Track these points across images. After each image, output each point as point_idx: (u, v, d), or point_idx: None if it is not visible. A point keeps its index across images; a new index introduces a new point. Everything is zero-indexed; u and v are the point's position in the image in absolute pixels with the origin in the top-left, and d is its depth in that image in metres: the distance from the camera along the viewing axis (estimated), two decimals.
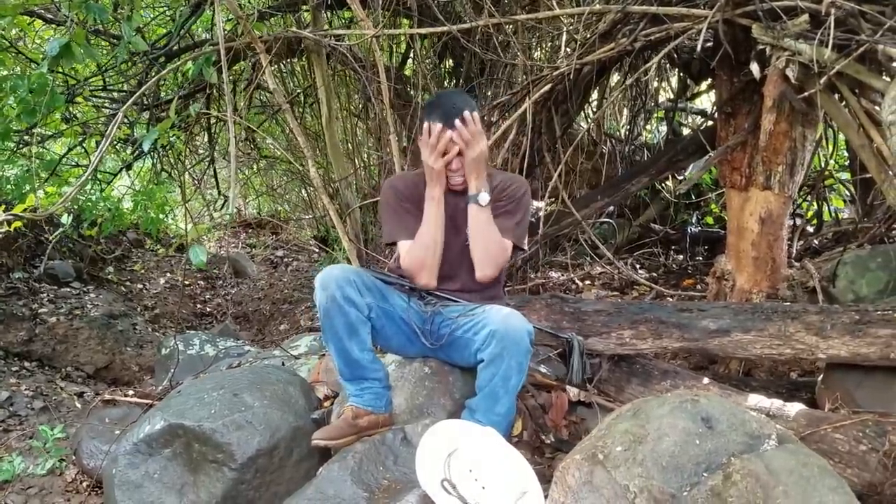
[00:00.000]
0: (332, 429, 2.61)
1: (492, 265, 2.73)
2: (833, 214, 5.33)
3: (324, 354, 3.39)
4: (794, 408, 2.68)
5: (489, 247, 2.71)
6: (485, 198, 2.69)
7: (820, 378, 3.05)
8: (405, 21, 4.72)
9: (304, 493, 2.40)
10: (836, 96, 3.04)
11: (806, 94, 2.94)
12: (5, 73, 4.16)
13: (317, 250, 7.69)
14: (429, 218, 2.74)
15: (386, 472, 2.43)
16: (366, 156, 6.02)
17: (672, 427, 2.00)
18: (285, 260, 8.04)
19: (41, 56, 4.42)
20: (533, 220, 4.96)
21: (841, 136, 4.57)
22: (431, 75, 4.99)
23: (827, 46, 2.68)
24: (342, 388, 2.81)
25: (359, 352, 2.61)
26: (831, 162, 4.96)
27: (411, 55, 5.46)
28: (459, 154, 2.66)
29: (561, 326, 3.07)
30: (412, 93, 5.19)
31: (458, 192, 2.80)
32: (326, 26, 4.69)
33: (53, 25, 5.14)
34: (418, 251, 2.74)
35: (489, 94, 4.77)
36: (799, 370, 3.63)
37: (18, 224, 2.88)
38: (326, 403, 3.01)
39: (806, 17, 2.81)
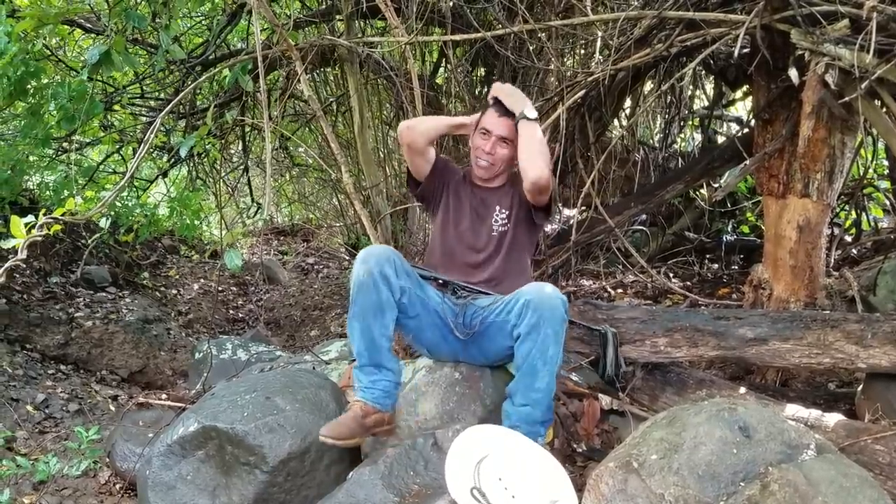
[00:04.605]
0: (341, 426, 2.59)
1: (544, 165, 2.75)
2: (872, 224, 5.23)
3: (354, 360, 3.39)
4: (833, 418, 2.63)
5: (544, 152, 2.76)
6: (532, 112, 2.80)
7: (859, 388, 2.99)
8: (437, 30, 4.73)
9: (335, 496, 2.41)
10: (877, 102, 2.99)
11: (846, 99, 2.88)
12: (46, 80, 4.24)
13: (347, 258, 7.71)
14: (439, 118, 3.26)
15: (416, 478, 2.43)
16: (396, 164, 6.03)
17: (709, 435, 1.97)
18: (316, 267, 8.08)
19: (80, 65, 4.52)
20: (564, 227, 4.95)
21: (881, 144, 4.49)
22: (463, 83, 5.00)
23: (868, 51, 2.64)
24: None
25: (379, 335, 2.65)
26: (870, 170, 4.87)
27: (443, 63, 5.48)
28: (502, 141, 2.86)
29: None
30: (443, 101, 5.20)
31: (481, 187, 2.93)
32: (360, 35, 4.72)
33: (93, 35, 5.25)
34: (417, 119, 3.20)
35: None
36: (837, 381, 3.57)
37: (57, 228, 2.92)
38: None
39: (846, 21, 2.77)
